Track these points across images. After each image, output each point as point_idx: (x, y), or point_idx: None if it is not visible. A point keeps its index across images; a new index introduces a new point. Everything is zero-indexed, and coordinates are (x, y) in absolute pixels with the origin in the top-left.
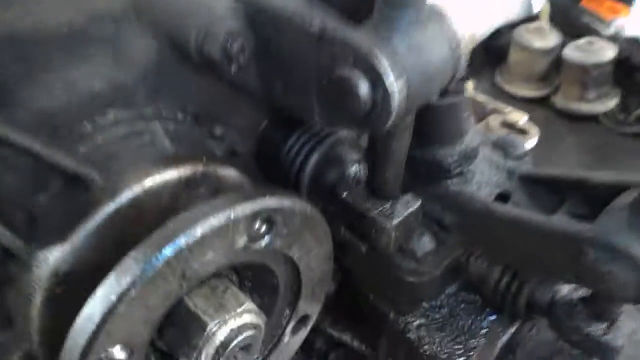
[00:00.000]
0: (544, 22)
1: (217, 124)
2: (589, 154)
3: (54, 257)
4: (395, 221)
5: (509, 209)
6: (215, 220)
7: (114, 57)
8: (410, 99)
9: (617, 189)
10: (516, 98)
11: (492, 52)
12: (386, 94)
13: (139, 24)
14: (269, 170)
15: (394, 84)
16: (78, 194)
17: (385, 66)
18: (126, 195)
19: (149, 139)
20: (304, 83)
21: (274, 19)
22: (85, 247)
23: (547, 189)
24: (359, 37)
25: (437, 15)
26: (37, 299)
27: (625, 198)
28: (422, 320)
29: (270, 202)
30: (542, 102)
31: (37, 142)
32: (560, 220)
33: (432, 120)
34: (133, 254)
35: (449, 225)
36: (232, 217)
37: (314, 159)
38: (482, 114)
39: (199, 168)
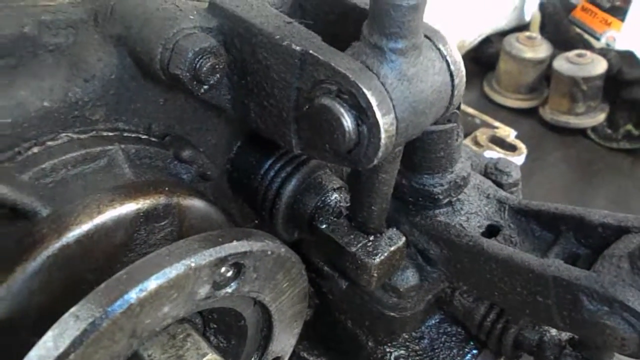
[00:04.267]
0: (535, 32)
1: (185, 146)
2: (575, 168)
3: None
4: (378, 259)
5: (500, 247)
6: (172, 271)
7: (69, 70)
8: (400, 134)
9: (617, 231)
10: (504, 108)
11: (481, 60)
12: (373, 130)
13: (99, 35)
14: (243, 195)
15: (382, 120)
16: (18, 229)
17: (372, 100)
18: (74, 233)
19: (106, 163)
20: (281, 108)
21: (251, 38)
22: (25, 292)
23: (540, 224)
24: (345, 64)
25: (435, 39)
26: None
27: (625, 244)
28: (402, 352)
29: (238, 246)
30: (529, 114)
31: None
32: (556, 264)
33: (421, 148)
34: (74, 310)
35: (435, 258)
36: (192, 265)
37: (291, 185)
38: (470, 127)
39: (161, 200)
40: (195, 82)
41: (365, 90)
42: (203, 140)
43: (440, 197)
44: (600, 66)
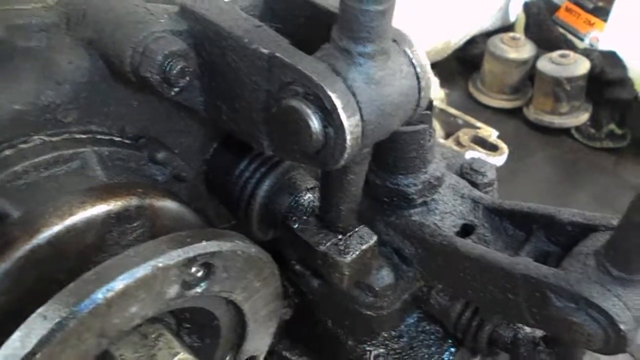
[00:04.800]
0: (519, 33)
1: (159, 147)
2: (559, 168)
3: None
4: (349, 258)
5: (472, 246)
6: (139, 271)
7: (41, 73)
8: (366, 136)
9: (585, 229)
10: (489, 108)
11: (466, 61)
12: (338, 132)
13: (71, 39)
14: (219, 196)
15: (347, 122)
16: None
17: (337, 103)
18: (45, 234)
19: (78, 165)
20: (252, 110)
21: (221, 41)
22: None
23: (512, 223)
24: (311, 67)
25: (402, 43)
26: None
27: (592, 242)
28: (381, 350)
29: (206, 246)
30: (514, 114)
31: None
32: (524, 262)
33: (393, 149)
34: (42, 310)
35: (410, 257)
36: (160, 266)
37: (265, 185)
38: (453, 127)
39: (133, 202)
40: (165, 85)
41: (330, 93)
42: (177, 142)
43: (414, 197)
44: (583, 66)
